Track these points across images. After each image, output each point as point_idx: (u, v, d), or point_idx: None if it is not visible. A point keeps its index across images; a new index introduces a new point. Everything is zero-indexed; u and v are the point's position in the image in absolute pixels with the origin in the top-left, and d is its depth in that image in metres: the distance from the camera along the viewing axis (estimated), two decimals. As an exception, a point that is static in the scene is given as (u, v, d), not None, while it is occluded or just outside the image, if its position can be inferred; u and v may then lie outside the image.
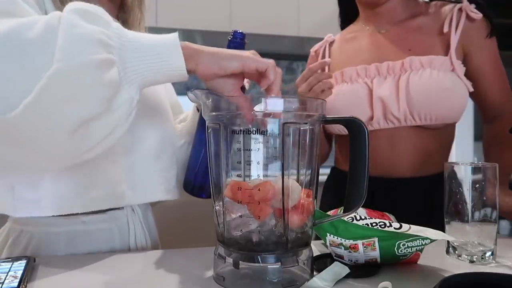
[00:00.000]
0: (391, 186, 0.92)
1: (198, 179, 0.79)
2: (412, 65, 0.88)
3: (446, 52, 0.91)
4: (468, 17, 0.91)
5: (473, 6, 0.92)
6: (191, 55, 0.57)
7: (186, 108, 0.96)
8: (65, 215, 0.70)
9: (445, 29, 0.92)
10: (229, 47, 0.72)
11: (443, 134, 0.94)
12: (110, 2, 0.78)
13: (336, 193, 1.03)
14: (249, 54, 0.59)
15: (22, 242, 0.71)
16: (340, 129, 0.98)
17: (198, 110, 0.85)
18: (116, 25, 0.55)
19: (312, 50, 1.13)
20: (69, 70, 0.48)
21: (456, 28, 0.90)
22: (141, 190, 0.76)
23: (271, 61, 0.59)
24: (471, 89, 0.91)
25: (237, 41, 0.72)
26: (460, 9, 0.92)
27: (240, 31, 0.73)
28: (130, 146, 0.74)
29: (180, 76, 0.57)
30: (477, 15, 0.90)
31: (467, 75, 0.92)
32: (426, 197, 0.92)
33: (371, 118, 0.92)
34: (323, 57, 1.08)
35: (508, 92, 0.94)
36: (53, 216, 0.70)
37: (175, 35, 0.57)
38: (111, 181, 0.71)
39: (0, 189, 0.70)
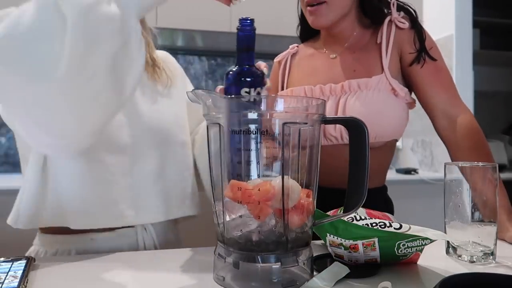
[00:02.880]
0: (334, 194, 0.86)
1: None
2: (351, 88, 0.92)
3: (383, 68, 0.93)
4: (397, 26, 0.93)
5: (402, 14, 0.94)
6: None
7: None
8: (73, 232, 0.75)
9: (378, 40, 0.95)
10: (239, 36, 0.69)
11: (380, 151, 0.95)
12: None
13: None
14: None
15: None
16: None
17: None
18: None
19: (276, 59, 1.15)
20: (83, 21, 0.55)
21: (388, 40, 0.93)
22: (142, 211, 0.78)
23: None
24: (413, 105, 0.95)
25: (246, 29, 0.69)
26: (390, 21, 0.95)
27: (246, 17, 0.69)
28: (129, 168, 0.78)
29: None
30: (404, 24, 0.93)
31: (410, 86, 0.94)
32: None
33: None
34: (285, 68, 1.10)
35: (453, 96, 0.92)
36: (62, 234, 0.75)
37: None
38: (109, 201, 0.75)
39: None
